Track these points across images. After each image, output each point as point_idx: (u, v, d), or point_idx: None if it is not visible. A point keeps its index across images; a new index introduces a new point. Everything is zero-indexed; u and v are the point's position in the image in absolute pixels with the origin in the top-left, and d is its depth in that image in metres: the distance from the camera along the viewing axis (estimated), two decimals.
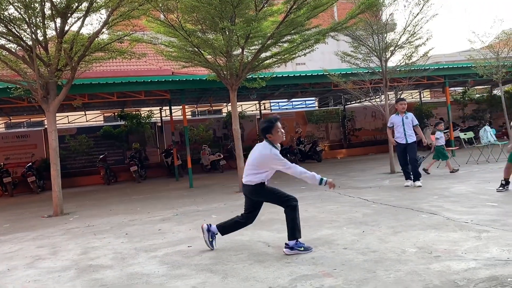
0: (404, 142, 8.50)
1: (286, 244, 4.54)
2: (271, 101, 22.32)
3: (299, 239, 4.49)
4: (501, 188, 7.03)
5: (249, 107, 20.93)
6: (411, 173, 8.52)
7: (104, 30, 9.50)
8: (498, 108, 17.81)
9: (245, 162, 11.93)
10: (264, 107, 21.59)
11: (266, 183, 4.70)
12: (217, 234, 4.92)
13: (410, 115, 8.67)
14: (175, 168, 14.89)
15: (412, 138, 8.49)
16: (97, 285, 4.03)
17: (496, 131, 15.51)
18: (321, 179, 4.47)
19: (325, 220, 5.95)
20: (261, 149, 4.60)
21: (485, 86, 22.75)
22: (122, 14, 9.07)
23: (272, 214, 6.72)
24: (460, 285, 3.20)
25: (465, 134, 13.55)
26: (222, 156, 16.37)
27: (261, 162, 4.57)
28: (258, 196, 4.74)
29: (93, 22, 25.53)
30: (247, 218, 4.86)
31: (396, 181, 9.48)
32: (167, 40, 10.45)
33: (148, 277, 4.11)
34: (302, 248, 4.43)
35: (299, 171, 4.50)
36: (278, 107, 23.39)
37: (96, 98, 12.84)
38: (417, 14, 10.53)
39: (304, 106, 23.53)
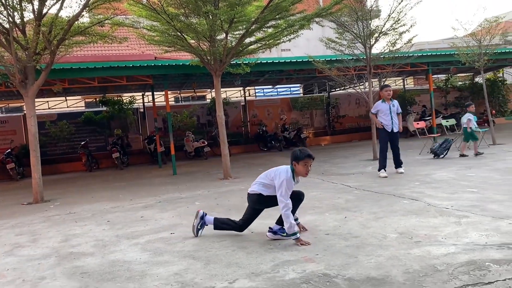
0: (390, 130, 8.37)
1: (270, 228, 4.56)
2: (256, 87, 22.21)
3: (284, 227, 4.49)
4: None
5: (234, 94, 20.80)
6: (394, 160, 8.46)
7: (84, 13, 9.25)
8: (480, 95, 18.04)
9: (229, 148, 11.92)
10: (249, 93, 21.48)
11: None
12: (207, 225, 4.85)
13: (396, 102, 8.57)
14: (158, 155, 14.76)
15: (397, 127, 8.42)
16: (78, 272, 3.98)
17: (478, 118, 15.75)
18: (294, 233, 4.24)
19: (308, 206, 5.96)
20: (282, 170, 4.48)
21: (468, 74, 23.01)
22: None
23: None
24: (440, 270, 3.24)
25: (447, 121, 13.72)
26: (206, 143, 16.27)
27: (272, 179, 4.47)
28: (260, 204, 4.71)
29: (73, 5, 24.83)
30: (243, 224, 4.79)
31: None
32: (149, 24, 10.23)
33: (129, 264, 4.07)
34: (285, 234, 4.43)
35: (285, 211, 4.28)
36: (263, 94, 23.32)
37: (77, 83, 12.56)
38: (402, 1, 10.51)
39: (289, 93, 23.50)
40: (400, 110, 8.54)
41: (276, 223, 4.58)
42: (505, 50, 16.04)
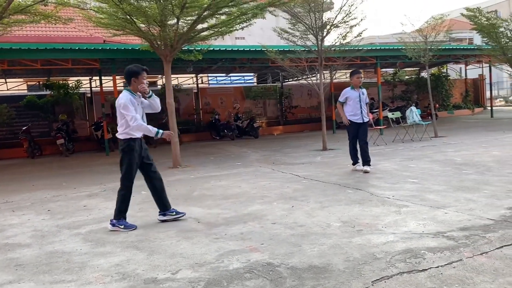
0: (360, 121, 7.55)
1: (110, 219, 4.75)
2: (208, 75, 21.96)
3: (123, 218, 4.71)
4: None
5: (186, 80, 20.45)
6: (361, 156, 7.55)
7: None
8: (425, 89, 18.82)
9: (179, 137, 11.69)
10: (202, 80, 21.21)
11: (136, 143, 4.71)
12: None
13: (365, 91, 7.78)
14: (105, 142, 14.28)
15: (366, 118, 7.63)
16: (12, 264, 3.78)
17: (422, 111, 16.47)
18: (157, 132, 4.71)
19: (257, 196, 5.99)
20: (120, 97, 4.70)
21: (414, 68, 23.95)
22: None
23: (203, 191, 6.68)
24: (378, 258, 3.35)
25: (393, 114, 14.22)
26: None
27: (118, 112, 4.67)
28: (121, 154, 4.76)
29: None
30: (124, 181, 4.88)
31: (327, 158, 9.77)
32: (96, 6, 9.81)
33: (69, 255, 3.92)
34: (123, 226, 4.63)
35: (135, 123, 4.59)
36: (216, 82, 23.10)
37: (18, 64, 11.86)
38: None
39: (243, 82, 23.43)
40: (368, 100, 7.79)
41: (113, 218, 4.74)
42: (449, 47, 16.82)
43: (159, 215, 4.94)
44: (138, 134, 4.74)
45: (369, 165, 7.51)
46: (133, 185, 4.83)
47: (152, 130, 4.69)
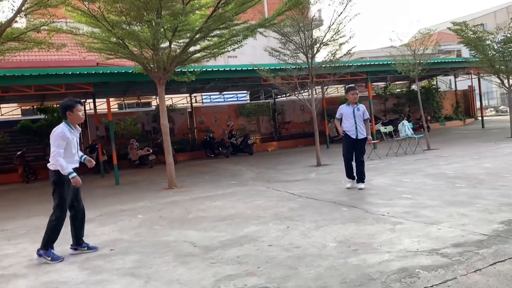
0: (354, 136, 7.47)
1: (37, 249, 4.75)
2: (202, 94, 22.11)
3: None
4: None
5: (180, 100, 20.57)
6: (356, 173, 7.52)
7: (18, 18, 8.81)
8: (416, 102, 19.03)
9: (175, 155, 11.66)
10: (196, 100, 21.34)
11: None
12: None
13: (362, 107, 7.62)
14: (101, 164, 14.29)
15: (363, 134, 7.50)
16: None
17: (414, 124, 16.63)
18: (70, 172, 4.71)
19: (252, 216, 6.02)
20: (56, 128, 4.79)
21: (405, 82, 24.24)
22: (39, 2, 8.46)
23: (199, 212, 6.70)
24: (374, 278, 3.39)
25: (385, 127, 14.35)
26: (151, 150, 15.94)
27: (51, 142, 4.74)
28: (53, 185, 4.79)
29: (5, 9, 23.43)
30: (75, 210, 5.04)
31: (322, 174, 9.82)
32: (89, 31, 9.91)
33: (65, 285, 3.92)
34: (50, 258, 4.67)
35: (55, 156, 4.66)
36: (209, 100, 23.24)
37: (12, 91, 11.89)
38: (341, 13, 10.91)
39: (236, 99, 23.59)
40: (367, 116, 7.63)
41: (41, 247, 4.75)
42: (437, 60, 17.09)
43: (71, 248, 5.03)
44: (72, 165, 4.84)
45: (363, 182, 7.49)
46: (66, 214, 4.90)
47: (65, 169, 4.67)
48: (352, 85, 8.78)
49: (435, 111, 23.09)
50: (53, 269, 4.45)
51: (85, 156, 5.14)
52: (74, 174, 4.72)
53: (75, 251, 4.97)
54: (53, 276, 4.21)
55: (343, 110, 7.68)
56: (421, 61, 13.10)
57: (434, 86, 23.54)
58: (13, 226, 7.01)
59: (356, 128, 7.47)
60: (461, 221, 4.80)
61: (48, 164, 4.79)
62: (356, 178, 7.59)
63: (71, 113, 4.85)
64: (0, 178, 15.38)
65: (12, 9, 8.52)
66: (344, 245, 4.34)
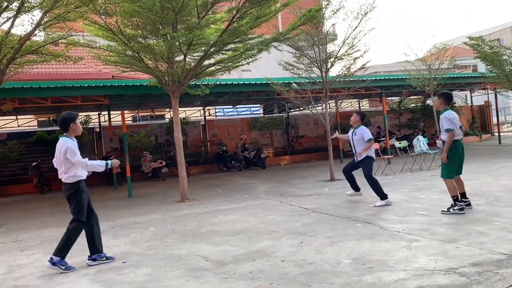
0: (355, 157, 7.78)
1: (51, 257, 4.75)
2: (216, 107, 22.22)
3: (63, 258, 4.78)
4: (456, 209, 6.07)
5: (194, 113, 20.68)
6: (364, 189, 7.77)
7: (37, 32, 8.98)
8: (431, 117, 18.85)
9: (188, 168, 11.65)
10: (209, 113, 21.45)
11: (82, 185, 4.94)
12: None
13: (359, 130, 7.65)
14: (114, 176, 14.37)
15: (358, 157, 7.63)
16: None
17: (429, 139, 16.43)
18: (106, 164, 4.97)
19: (265, 231, 5.96)
20: (62, 143, 4.85)
21: (419, 96, 24.06)
22: (57, 16, 8.62)
23: (211, 226, 6.65)
24: None
25: (400, 142, 14.20)
26: (164, 163, 16.00)
27: (67, 160, 4.83)
28: (72, 196, 4.90)
29: (25, 23, 23.88)
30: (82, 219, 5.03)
31: (335, 189, 9.72)
32: (106, 44, 10.07)
33: None
34: (64, 267, 4.70)
35: (85, 164, 4.86)
36: (223, 114, 23.34)
37: (29, 102, 12.11)
38: (356, 28, 10.91)
39: (249, 113, 23.64)
40: (368, 137, 7.56)
41: (54, 253, 4.79)
42: (453, 75, 16.94)
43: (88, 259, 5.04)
44: (85, 175, 4.95)
45: (380, 200, 7.29)
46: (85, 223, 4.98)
47: (102, 164, 4.96)
48: (356, 111, 9.25)
49: None
50: (66, 281, 4.44)
51: (109, 161, 5.16)
52: (109, 161, 5.02)
53: (94, 261, 4.95)
54: None
55: (349, 133, 8.10)
56: (437, 76, 13.01)
57: None
58: (27, 237, 7.05)
59: (355, 152, 7.82)
60: (479, 239, 4.68)
61: (63, 178, 4.85)
62: (357, 189, 8.06)
63: (75, 125, 4.94)
64: (15, 188, 15.57)
65: (32, 23, 8.68)
66: (358, 262, 4.25)
